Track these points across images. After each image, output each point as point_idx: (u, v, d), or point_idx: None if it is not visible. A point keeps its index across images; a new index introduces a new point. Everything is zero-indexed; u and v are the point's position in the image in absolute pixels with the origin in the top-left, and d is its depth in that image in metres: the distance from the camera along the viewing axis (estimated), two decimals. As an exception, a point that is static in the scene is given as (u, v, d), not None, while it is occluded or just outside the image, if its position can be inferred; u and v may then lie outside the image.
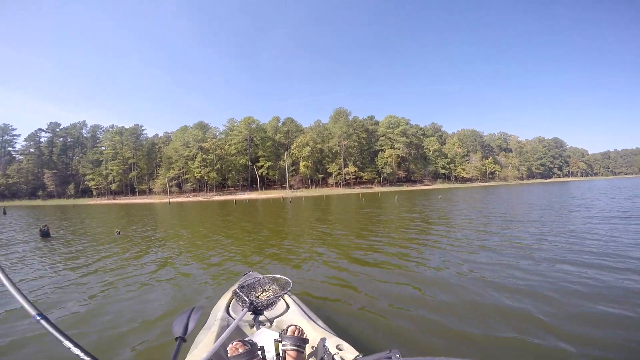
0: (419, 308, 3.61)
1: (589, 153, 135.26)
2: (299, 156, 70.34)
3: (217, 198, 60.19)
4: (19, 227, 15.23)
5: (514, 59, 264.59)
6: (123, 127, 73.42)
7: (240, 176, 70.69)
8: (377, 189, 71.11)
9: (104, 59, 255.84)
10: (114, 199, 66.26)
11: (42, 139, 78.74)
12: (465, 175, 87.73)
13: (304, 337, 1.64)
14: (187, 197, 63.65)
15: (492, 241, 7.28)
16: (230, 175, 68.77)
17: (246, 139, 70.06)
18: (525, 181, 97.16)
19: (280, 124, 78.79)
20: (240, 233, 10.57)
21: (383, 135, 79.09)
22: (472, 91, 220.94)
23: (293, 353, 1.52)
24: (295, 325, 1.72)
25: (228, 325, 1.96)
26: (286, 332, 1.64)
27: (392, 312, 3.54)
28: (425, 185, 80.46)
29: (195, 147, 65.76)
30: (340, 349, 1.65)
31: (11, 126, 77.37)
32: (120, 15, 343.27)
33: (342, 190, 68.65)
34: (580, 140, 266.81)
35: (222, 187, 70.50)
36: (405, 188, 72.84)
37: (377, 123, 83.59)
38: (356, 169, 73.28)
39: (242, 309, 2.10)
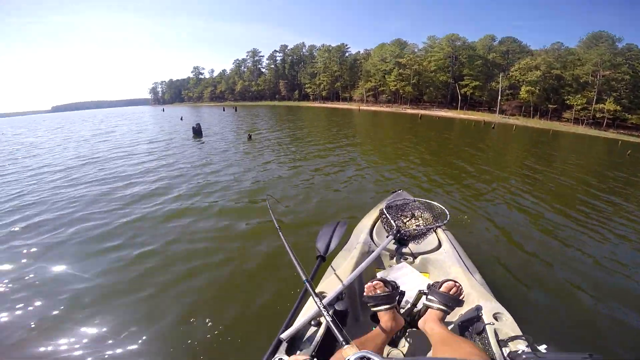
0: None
1: None
2: (520, 79, 55.79)
3: (409, 111, 59.33)
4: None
5: None
6: (330, 45, 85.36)
7: (439, 92, 66.24)
8: (657, 137, 45.32)
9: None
10: (324, 103, 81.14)
11: (278, 58, 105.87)
12: None
13: (461, 298, 1.20)
14: (381, 106, 66.93)
15: None
16: (427, 90, 65.90)
17: (449, 57, 63.25)
18: None
19: (496, 43, 64.54)
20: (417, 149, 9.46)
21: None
22: None
23: (437, 313, 1.15)
24: (455, 282, 1.24)
25: (369, 252, 1.78)
26: (439, 286, 1.21)
27: (593, 303, 2.49)
28: None
29: (392, 62, 66.52)
30: (497, 319, 1.21)
31: (258, 50, 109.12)
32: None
33: (582, 130, 48.64)
34: None
35: (417, 101, 69.06)
36: None
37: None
38: (619, 107, 49.21)
39: (386, 235, 1.91)
